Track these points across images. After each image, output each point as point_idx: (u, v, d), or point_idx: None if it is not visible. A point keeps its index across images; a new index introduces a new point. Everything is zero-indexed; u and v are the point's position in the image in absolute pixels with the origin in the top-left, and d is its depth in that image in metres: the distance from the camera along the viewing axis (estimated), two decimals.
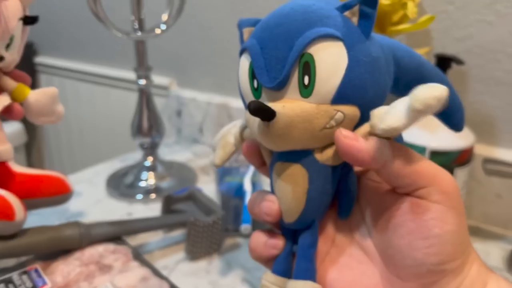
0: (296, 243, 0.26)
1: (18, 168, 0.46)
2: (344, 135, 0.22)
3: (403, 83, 0.26)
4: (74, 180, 0.63)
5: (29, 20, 0.44)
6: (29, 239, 0.43)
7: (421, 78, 0.27)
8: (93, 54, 0.93)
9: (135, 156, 0.72)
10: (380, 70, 0.24)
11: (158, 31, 0.59)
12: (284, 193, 0.25)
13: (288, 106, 0.22)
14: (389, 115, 0.20)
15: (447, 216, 0.22)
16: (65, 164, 1.08)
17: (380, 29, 0.47)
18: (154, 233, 0.51)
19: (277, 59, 0.23)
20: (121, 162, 0.72)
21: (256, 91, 0.24)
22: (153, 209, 0.58)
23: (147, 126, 0.63)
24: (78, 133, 1.00)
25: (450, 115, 0.28)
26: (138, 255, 0.44)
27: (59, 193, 0.48)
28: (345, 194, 0.25)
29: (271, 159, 0.26)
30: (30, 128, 1.07)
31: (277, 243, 0.26)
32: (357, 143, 0.22)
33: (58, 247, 0.44)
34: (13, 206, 0.41)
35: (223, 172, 0.57)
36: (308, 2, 0.24)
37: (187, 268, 0.46)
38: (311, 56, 0.22)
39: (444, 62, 0.46)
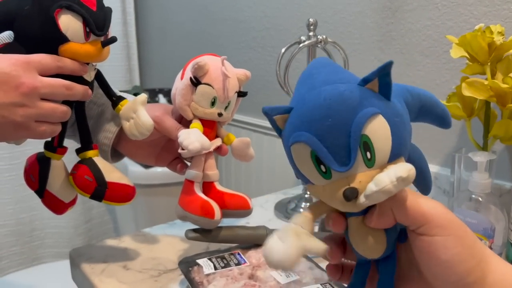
0: (367, 276, 0.32)
1: (220, 187, 0.61)
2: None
3: (412, 114, 0.32)
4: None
5: (241, 94, 0.61)
6: (236, 232, 0.64)
7: (421, 106, 0.34)
8: None
9: (293, 191, 0.94)
10: (406, 119, 0.29)
11: None
12: (366, 238, 0.29)
13: (363, 180, 0.27)
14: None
15: (447, 243, 0.26)
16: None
17: (503, 105, 0.60)
18: None
19: (339, 146, 0.27)
20: (283, 194, 0.93)
21: (325, 174, 0.28)
22: None
23: None
24: (245, 170, 1.27)
25: (443, 120, 0.36)
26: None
27: (243, 208, 0.61)
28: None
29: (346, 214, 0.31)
30: None
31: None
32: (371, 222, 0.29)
33: (252, 241, 0.64)
34: (214, 209, 0.56)
35: None
36: (338, 90, 0.27)
37: None
38: (367, 136, 0.26)
39: None
